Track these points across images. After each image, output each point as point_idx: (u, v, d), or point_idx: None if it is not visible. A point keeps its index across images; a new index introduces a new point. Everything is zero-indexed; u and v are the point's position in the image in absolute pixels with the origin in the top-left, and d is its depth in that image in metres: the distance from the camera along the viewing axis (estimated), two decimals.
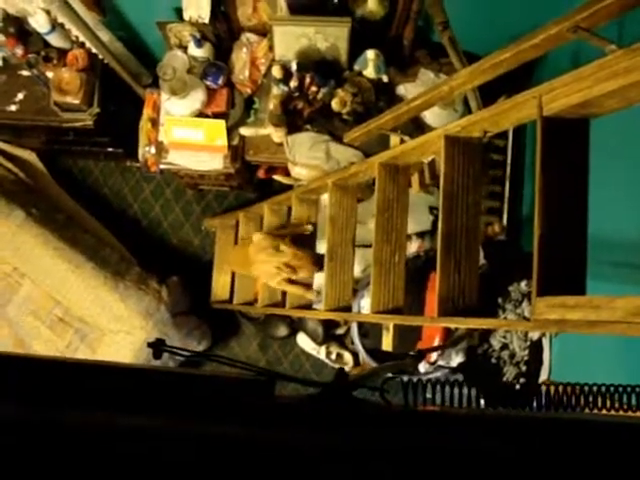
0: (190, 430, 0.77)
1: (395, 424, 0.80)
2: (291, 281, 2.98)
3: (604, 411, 1.15)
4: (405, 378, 2.58)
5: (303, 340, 4.00)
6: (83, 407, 0.79)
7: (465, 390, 1.04)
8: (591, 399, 1.03)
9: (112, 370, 0.96)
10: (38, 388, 0.81)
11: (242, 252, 3.28)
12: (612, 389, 1.04)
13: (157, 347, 1.03)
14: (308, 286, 3.01)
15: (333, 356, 3.93)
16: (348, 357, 3.89)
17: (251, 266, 3.13)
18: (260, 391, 0.90)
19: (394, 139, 2.39)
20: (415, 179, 2.70)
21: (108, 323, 3.57)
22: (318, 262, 2.83)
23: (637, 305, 1.32)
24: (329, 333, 3.93)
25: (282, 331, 4.03)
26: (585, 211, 1.66)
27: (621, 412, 1.13)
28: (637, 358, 2.15)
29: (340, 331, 3.95)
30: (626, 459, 0.76)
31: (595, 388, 1.16)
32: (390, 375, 1.05)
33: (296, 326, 4.01)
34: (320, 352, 3.95)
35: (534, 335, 3.07)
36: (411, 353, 1.31)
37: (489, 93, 2.32)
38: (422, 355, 1.50)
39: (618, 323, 1.36)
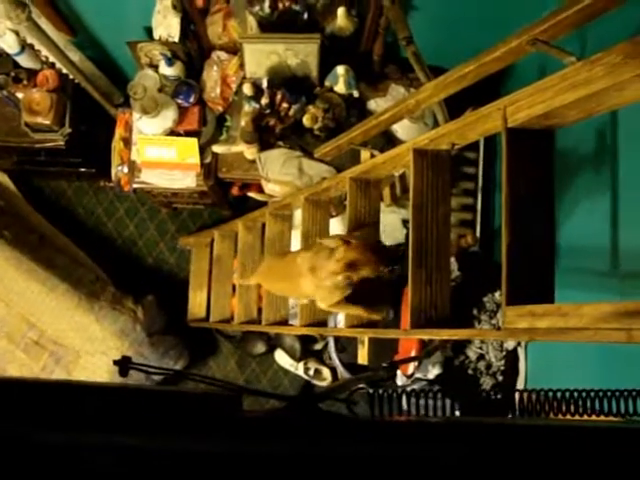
0: (155, 445, 0.76)
1: (359, 434, 0.81)
2: (350, 299, 2.25)
3: (568, 416, 1.16)
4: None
5: (281, 357, 3.99)
6: (49, 425, 0.78)
7: (431, 398, 1.04)
8: (556, 405, 1.04)
9: (77, 389, 0.95)
10: (7, 408, 0.80)
11: (282, 265, 2.60)
12: (576, 394, 1.05)
13: (123, 365, 1.03)
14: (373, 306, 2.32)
15: (311, 372, 3.92)
16: (326, 372, 3.89)
17: (298, 281, 2.36)
18: (227, 405, 0.90)
19: (364, 154, 2.41)
20: (387, 193, 2.73)
21: (83, 345, 3.54)
22: (381, 254, 2.08)
23: (603, 311, 1.33)
24: (307, 349, 3.93)
25: (260, 348, 4.02)
26: (552, 220, 1.69)
27: (586, 416, 1.14)
28: (611, 364, 2.17)
29: (318, 347, 3.94)
30: (588, 462, 0.77)
31: (561, 394, 1.18)
32: (359, 387, 1.05)
33: (274, 343, 4.00)
34: (298, 368, 3.94)
35: (509, 345, 3.09)
36: (383, 365, 1.32)
37: (459, 106, 2.35)
38: (394, 366, 1.50)
39: (585, 330, 1.38)
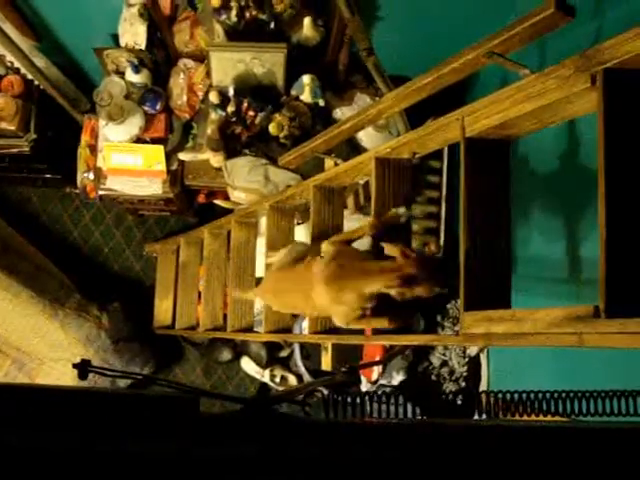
0: (108, 447, 0.78)
1: (312, 435, 0.83)
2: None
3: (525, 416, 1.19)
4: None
5: (247, 364, 4.00)
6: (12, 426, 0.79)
7: (384, 402, 1.07)
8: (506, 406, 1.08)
9: (34, 392, 0.96)
10: None
11: (293, 275, 2.25)
12: (525, 396, 1.08)
13: (82, 368, 1.04)
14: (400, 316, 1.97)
15: (277, 379, 3.93)
16: (292, 379, 3.90)
17: (314, 292, 2.02)
18: (184, 408, 0.91)
19: (328, 162, 2.43)
20: (351, 201, 2.76)
21: (48, 351, 3.52)
22: (439, 273, 1.84)
23: (555, 316, 1.37)
24: (273, 356, 3.94)
25: (226, 355, 4.02)
26: (508, 227, 1.73)
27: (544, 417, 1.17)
28: (568, 367, 2.22)
29: (283, 354, 3.96)
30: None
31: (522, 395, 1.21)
32: (314, 389, 1.07)
33: (240, 350, 4.01)
34: (264, 375, 3.95)
35: (472, 351, 3.14)
36: (342, 369, 1.34)
37: (425, 115, 2.38)
38: (354, 371, 1.52)
39: (539, 334, 1.41)
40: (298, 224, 3.16)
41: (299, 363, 3.44)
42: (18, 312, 3.49)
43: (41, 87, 3.35)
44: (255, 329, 3.04)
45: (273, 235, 2.72)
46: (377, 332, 1.96)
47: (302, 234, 3.07)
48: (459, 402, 1.45)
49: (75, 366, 1.06)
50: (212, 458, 0.77)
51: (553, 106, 1.46)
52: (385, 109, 1.92)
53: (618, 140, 1.29)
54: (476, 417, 1.26)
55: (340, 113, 3.24)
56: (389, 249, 1.86)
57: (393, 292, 1.80)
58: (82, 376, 1.05)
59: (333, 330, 2.34)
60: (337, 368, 2.66)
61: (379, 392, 1.12)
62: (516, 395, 1.08)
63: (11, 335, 3.54)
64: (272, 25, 2.98)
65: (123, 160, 3.19)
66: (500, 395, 1.07)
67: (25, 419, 0.81)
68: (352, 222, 2.73)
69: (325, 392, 1.14)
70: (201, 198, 3.76)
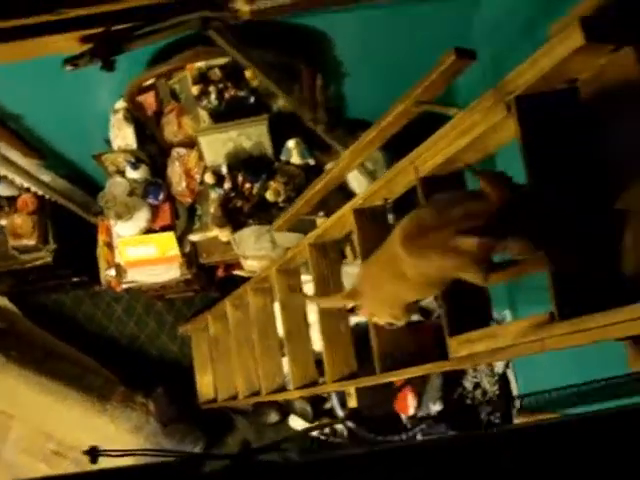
0: None
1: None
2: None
3: None
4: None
5: (295, 421, 4.09)
6: None
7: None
8: None
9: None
10: None
11: (378, 260, 1.77)
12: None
13: (92, 454, 1.18)
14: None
15: (327, 430, 4.01)
16: (341, 428, 3.97)
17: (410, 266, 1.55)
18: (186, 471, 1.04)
19: (318, 219, 2.58)
20: (349, 250, 2.89)
21: (101, 445, 3.67)
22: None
23: (521, 327, 1.49)
24: (318, 409, 4.03)
25: (273, 417, 4.13)
26: None
27: None
28: (585, 362, 2.28)
29: (328, 405, 4.04)
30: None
31: None
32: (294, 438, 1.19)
33: (286, 409, 4.11)
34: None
35: (499, 369, 3.21)
36: (341, 415, 1.46)
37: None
38: (357, 414, 1.61)
39: (511, 347, 1.53)
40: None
41: (338, 411, 3.53)
42: (68, 413, 3.66)
43: (52, 199, 3.58)
44: (288, 388, 3.14)
45: (284, 297, 2.85)
46: (383, 370, 2.06)
47: (311, 288, 3.19)
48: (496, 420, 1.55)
49: (86, 453, 1.20)
50: None
51: (484, 136, 1.58)
52: (346, 166, 2.06)
53: (540, 161, 1.41)
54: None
55: None
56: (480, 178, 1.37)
57: (470, 244, 1.34)
58: (93, 461, 1.20)
59: (353, 375, 2.45)
60: (361, 409, 2.76)
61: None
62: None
63: (66, 436, 3.71)
64: (252, 99, 3.17)
65: (138, 252, 3.38)
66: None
67: None
68: (354, 268, 2.85)
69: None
70: (220, 272, 3.93)
